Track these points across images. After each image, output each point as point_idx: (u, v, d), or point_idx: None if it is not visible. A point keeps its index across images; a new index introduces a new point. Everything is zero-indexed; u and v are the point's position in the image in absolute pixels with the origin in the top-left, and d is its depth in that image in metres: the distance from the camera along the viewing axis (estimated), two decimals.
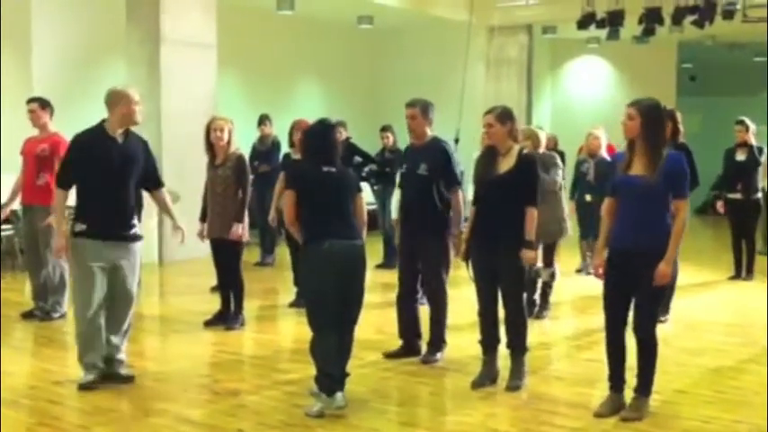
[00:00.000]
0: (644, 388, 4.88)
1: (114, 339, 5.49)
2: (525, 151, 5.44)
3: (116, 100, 5.39)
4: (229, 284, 7.19)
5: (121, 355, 5.57)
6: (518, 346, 5.45)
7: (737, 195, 9.56)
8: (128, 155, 5.39)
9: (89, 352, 5.40)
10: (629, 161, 4.77)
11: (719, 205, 9.90)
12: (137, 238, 5.47)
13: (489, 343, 5.49)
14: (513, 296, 5.39)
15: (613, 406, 4.89)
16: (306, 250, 4.97)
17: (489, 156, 5.41)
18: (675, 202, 4.72)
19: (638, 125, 4.70)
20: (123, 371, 5.55)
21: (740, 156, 9.55)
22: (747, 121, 9.62)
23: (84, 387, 5.35)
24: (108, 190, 5.34)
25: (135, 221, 5.48)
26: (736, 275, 9.74)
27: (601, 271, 4.89)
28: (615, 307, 4.85)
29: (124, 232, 5.38)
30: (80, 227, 5.33)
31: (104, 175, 5.31)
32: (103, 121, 5.45)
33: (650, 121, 4.70)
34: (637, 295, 4.78)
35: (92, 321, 5.36)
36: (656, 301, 4.85)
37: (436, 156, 5.94)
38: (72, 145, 5.47)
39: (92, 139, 5.39)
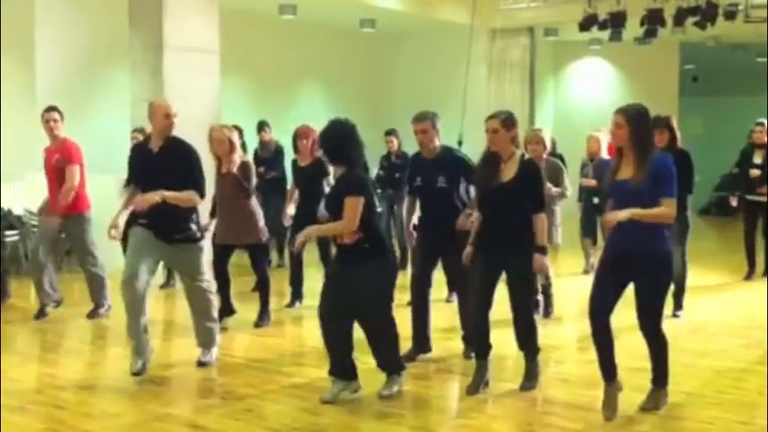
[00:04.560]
0: (659, 379, 5.01)
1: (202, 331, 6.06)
2: (527, 157, 5.44)
3: (151, 113, 5.78)
4: (258, 285, 7.43)
5: (207, 347, 6.08)
6: (530, 349, 5.54)
7: (757, 197, 9.41)
8: (161, 164, 5.67)
9: (130, 340, 5.82)
10: (617, 166, 4.83)
11: (734, 200, 9.88)
12: (186, 239, 5.78)
13: (482, 349, 5.51)
14: (522, 301, 5.44)
15: (614, 401, 4.90)
16: None
17: (491, 162, 5.38)
18: (661, 200, 4.70)
19: (626, 133, 4.72)
20: (201, 358, 6.08)
21: (758, 158, 9.46)
22: (767, 122, 9.56)
23: (133, 374, 5.68)
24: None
25: (187, 224, 5.77)
26: (749, 275, 9.71)
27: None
28: (602, 301, 4.85)
29: (174, 235, 5.72)
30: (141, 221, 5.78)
31: (141, 183, 5.75)
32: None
33: (638, 128, 4.72)
34: (641, 296, 4.82)
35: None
36: (659, 298, 4.90)
37: (454, 167, 6.06)
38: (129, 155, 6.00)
39: (135, 151, 6.00)
